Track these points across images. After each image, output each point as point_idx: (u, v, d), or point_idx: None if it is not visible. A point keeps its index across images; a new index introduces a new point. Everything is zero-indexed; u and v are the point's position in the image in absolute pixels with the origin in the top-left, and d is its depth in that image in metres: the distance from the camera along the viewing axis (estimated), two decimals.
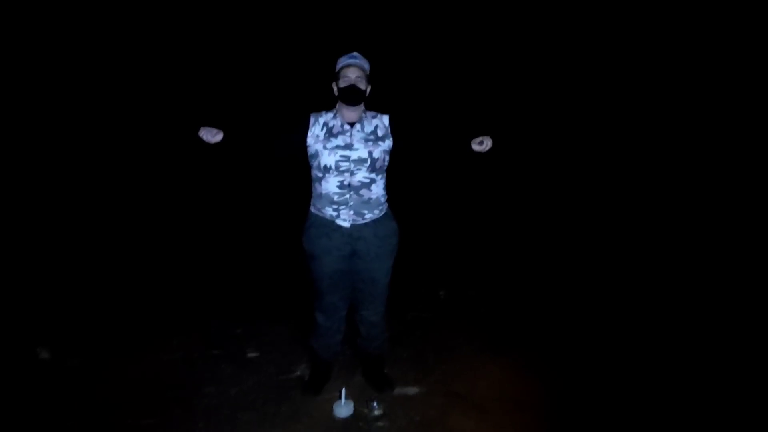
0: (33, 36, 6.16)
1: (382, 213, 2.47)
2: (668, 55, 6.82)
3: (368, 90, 2.39)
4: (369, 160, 2.35)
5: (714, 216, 5.51)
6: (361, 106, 2.40)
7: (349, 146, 2.35)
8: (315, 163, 2.40)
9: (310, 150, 2.39)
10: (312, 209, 2.49)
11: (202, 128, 2.29)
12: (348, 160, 2.34)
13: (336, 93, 2.38)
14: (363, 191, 2.37)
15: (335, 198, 2.36)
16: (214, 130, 2.29)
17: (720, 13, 6.22)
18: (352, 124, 2.39)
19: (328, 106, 2.46)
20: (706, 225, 5.40)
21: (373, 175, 2.38)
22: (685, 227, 5.49)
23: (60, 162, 6.22)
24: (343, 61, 2.36)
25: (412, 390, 2.75)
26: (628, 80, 7.14)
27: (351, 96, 2.32)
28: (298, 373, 2.91)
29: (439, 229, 5.83)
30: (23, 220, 5.17)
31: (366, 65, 2.39)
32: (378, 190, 2.42)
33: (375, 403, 2.54)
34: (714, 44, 6.39)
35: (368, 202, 2.39)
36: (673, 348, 3.22)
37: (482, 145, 2.33)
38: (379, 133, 2.41)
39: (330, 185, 2.36)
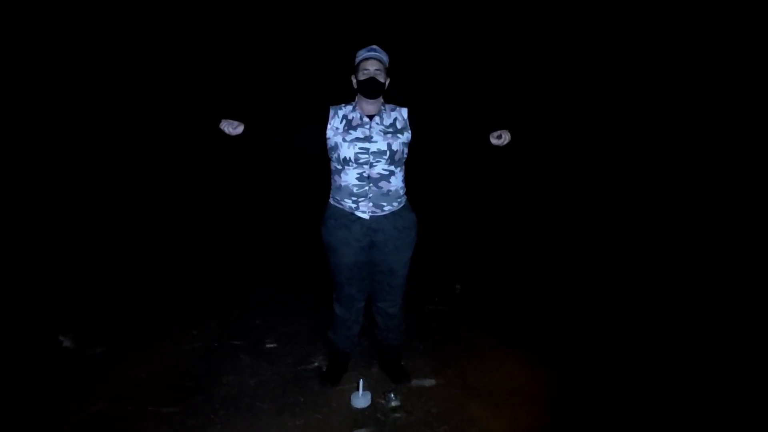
0: (53, 32, 6.24)
1: (401, 205, 2.48)
2: (681, 56, 6.73)
3: (387, 83, 2.40)
4: (388, 153, 2.36)
5: (726, 211, 5.46)
6: (380, 99, 2.42)
7: (368, 138, 2.36)
8: (334, 156, 2.41)
9: (330, 142, 2.41)
10: (331, 201, 2.50)
11: (223, 120, 2.32)
12: (367, 152, 2.35)
13: (355, 86, 2.39)
14: (382, 183, 2.38)
15: (354, 190, 2.38)
16: (235, 123, 2.32)
17: (724, 14, 6.14)
18: (371, 117, 2.40)
19: (347, 98, 2.47)
20: (722, 220, 5.35)
21: (392, 168, 2.39)
22: (695, 223, 5.43)
23: (83, 155, 6.32)
24: (362, 54, 2.37)
25: (428, 382, 2.76)
26: (649, 77, 7.05)
27: (370, 89, 2.33)
28: (316, 364, 2.93)
29: (457, 223, 5.84)
30: (48, 212, 5.27)
31: (385, 58, 2.39)
32: (397, 182, 2.43)
33: (392, 394, 2.56)
34: (724, 46, 6.31)
35: (387, 194, 2.40)
36: (686, 345, 3.20)
37: (500, 139, 2.33)
38: (398, 125, 2.42)
39: (349, 177, 2.37)
